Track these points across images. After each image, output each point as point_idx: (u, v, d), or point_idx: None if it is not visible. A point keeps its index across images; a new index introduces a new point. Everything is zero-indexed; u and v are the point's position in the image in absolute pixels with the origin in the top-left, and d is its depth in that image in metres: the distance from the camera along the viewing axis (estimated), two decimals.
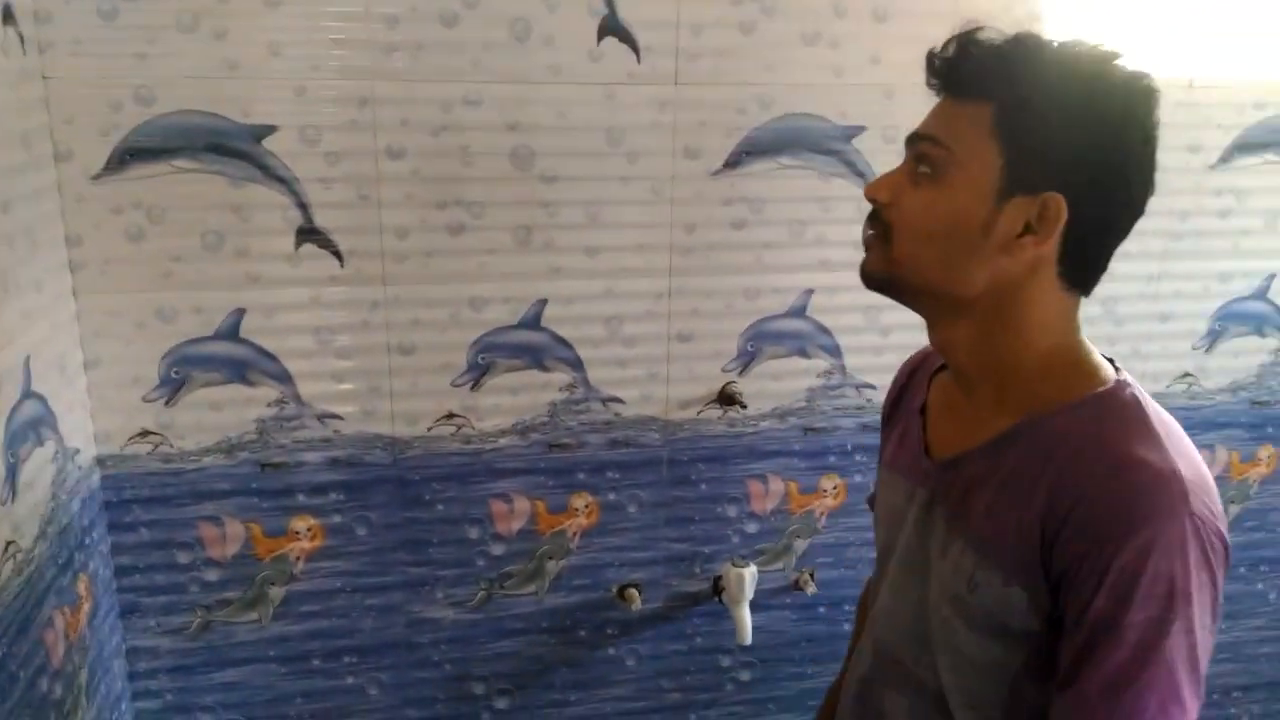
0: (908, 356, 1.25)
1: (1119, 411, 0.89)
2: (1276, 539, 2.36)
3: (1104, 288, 2.10)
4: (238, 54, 1.62)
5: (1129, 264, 1.97)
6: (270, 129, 1.66)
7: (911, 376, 1.19)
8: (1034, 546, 0.87)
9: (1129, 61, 0.89)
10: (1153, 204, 0.92)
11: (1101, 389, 0.91)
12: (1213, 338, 2.18)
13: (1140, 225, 0.93)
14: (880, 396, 2.07)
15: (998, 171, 0.88)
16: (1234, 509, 2.29)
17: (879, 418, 2.04)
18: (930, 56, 0.94)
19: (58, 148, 1.60)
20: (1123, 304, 2.11)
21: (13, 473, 1.41)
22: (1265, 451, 2.28)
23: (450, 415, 1.88)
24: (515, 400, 1.90)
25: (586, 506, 2.00)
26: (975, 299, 0.92)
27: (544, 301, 1.86)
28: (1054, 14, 1.90)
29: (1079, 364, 0.94)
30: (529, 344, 1.88)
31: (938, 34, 1.83)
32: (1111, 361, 0.96)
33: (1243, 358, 2.22)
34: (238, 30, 1.61)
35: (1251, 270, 2.16)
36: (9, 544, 1.39)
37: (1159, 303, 2.13)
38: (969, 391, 1.00)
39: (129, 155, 1.62)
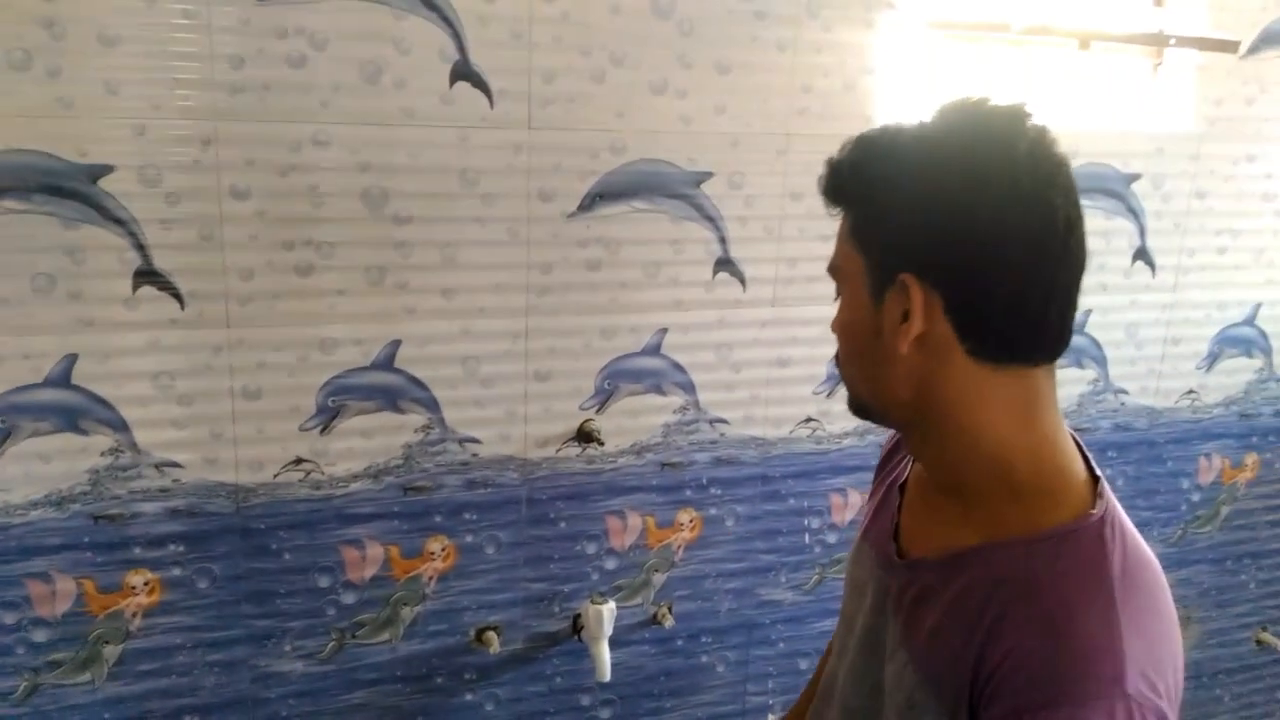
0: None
1: (1077, 558, 0.81)
2: (1257, 535, 2.72)
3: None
4: (73, 92, 1.56)
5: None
6: (107, 169, 1.60)
7: (894, 450, 1.14)
8: (966, 684, 0.82)
9: (992, 111, 0.86)
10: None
11: (1069, 524, 0.83)
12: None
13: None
14: (733, 431, 2.15)
15: (865, 274, 0.90)
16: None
17: (731, 451, 2.15)
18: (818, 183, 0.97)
19: None
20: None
21: None
22: (1250, 458, 2.63)
23: (298, 461, 1.83)
24: (368, 443, 1.87)
25: (443, 549, 1.98)
26: (911, 405, 0.89)
27: (398, 343, 1.84)
28: (886, 68, 2.03)
29: (1049, 491, 0.86)
30: (382, 385, 1.85)
31: (778, 84, 1.94)
32: (1097, 479, 0.88)
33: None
34: (73, 68, 1.55)
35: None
36: None
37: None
38: (936, 487, 0.96)
39: None
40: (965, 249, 0.83)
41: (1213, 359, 2.50)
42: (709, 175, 1.97)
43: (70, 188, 1.59)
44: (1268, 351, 2.56)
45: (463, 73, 1.76)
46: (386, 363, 1.84)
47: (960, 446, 0.88)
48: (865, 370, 0.93)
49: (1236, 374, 2.55)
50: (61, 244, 1.61)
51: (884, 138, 0.91)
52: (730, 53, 1.92)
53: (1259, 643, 2.79)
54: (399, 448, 1.90)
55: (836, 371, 1.03)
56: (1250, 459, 2.62)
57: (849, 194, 0.92)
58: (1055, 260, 0.83)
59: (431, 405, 1.90)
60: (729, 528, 2.21)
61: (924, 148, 0.87)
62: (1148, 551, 0.85)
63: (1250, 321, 2.52)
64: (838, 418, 2.22)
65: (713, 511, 2.19)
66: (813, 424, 2.21)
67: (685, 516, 2.17)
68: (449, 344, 1.88)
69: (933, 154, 0.86)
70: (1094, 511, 0.83)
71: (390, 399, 1.87)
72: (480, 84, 1.78)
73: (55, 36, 1.53)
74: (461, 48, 1.75)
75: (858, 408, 0.98)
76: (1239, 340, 2.53)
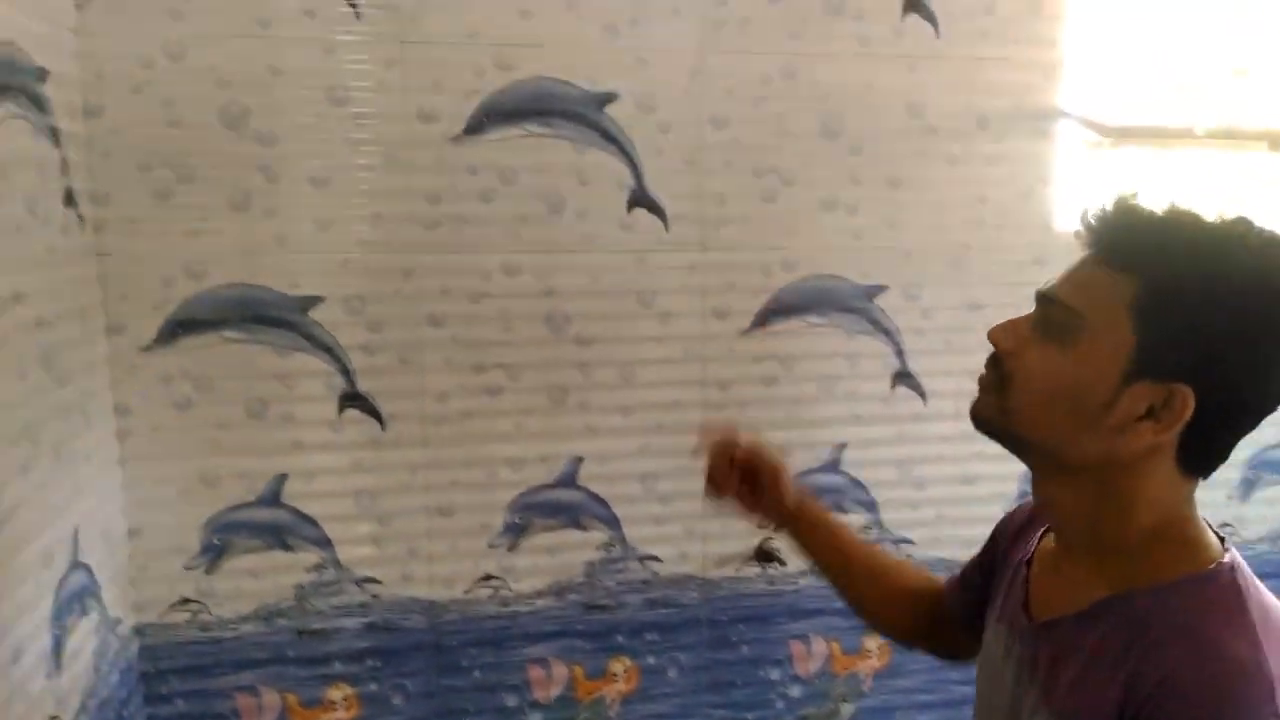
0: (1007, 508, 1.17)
1: (1215, 597, 0.84)
2: None
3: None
4: (286, 230, 1.72)
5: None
6: (316, 300, 1.74)
7: (1021, 531, 1.11)
8: None
9: None
10: None
11: (1202, 570, 0.85)
12: (1247, 486, 2.18)
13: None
14: (919, 551, 2.06)
15: (1129, 351, 0.83)
16: None
17: None
18: (1085, 215, 0.89)
19: (110, 321, 1.67)
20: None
21: (58, 645, 1.40)
22: None
23: (488, 577, 1.87)
24: (552, 560, 1.89)
25: (625, 671, 1.96)
26: (1084, 466, 0.88)
27: (580, 460, 1.88)
28: (1063, 177, 2.00)
29: (1184, 541, 0.88)
30: (565, 502, 1.89)
31: (951, 196, 1.94)
32: (1222, 539, 0.90)
33: (1279, 506, 2.20)
34: (287, 208, 1.71)
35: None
36: (52, 718, 1.37)
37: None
38: (1069, 551, 0.95)
39: (179, 327, 1.70)
40: (1250, 380, 0.83)
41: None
42: (883, 289, 1.96)
43: (283, 318, 1.73)
44: None
45: (639, 199, 1.85)
46: (569, 479, 1.88)
47: (1117, 510, 0.88)
48: (1061, 423, 0.87)
49: None
50: (274, 370, 1.74)
51: (1189, 219, 0.84)
52: (901, 168, 1.93)
53: None
54: (581, 565, 1.91)
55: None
56: None
57: (1144, 263, 0.84)
58: None
59: (612, 522, 1.91)
60: (921, 656, 2.09)
61: (1240, 257, 0.82)
62: (1274, 597, 0.87)
63: None
64: None
65: None
66: None
67: (873, 643, 2.07)
68: (628, 461, 1.90)
69: (1252, 270, 0.81)
70: (1225, 560, 0.86)
71: (573, 516, 1.89)
72: (656, 209, 1.85)
73: (270, 179, 1.70)
74: (638, 176, 1.83)
75: (1003, 433, 0.92)
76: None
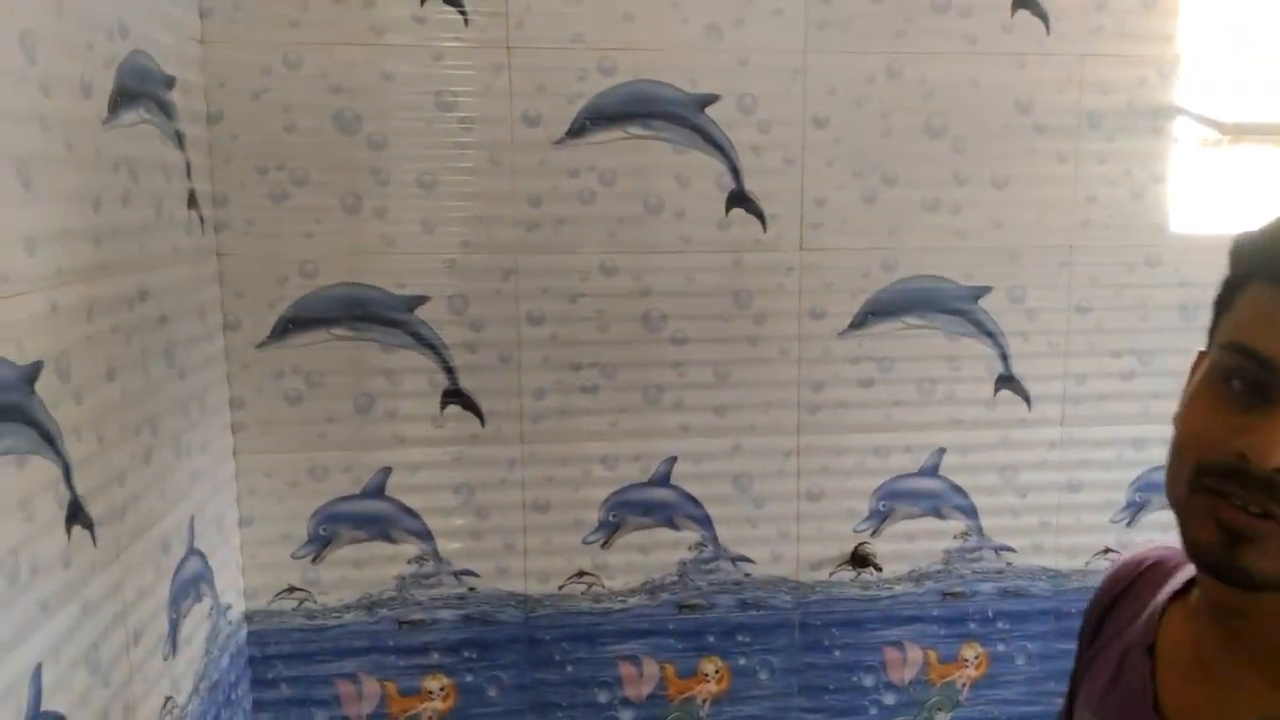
0: (1119, 561, 1.00)
1: None
2: None
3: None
4: (394, 230, 1.77)
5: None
6: (422, 299, 1.78)
7: (1130, 591, 0.93)
8: None
9: None
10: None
11: None
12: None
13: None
14: (1021, 560, 2.02)
15: None
16: None
17: (1019, 582, 2.00)
18: (1256, 242, 0.73)
19: (227, 318, 1.74)
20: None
21: (174, 628, 1.47)
22: None
23: (581, 573, 1.89)
24: (645, 559, 1.91)
25: (717, 672, 1.96)
26: None
27: (673, 459, 1.89)
28: (1176, 175, 1.93)
29: None
30: (659, 501, 1.90)
31: (1059, 195, 1.89)
32: None
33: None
34: (396, 210, 1.76)
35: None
36: (167, 700, 1.44)
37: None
38: (1236, 652, 0.77)
39: (291, 325, 1.76)
40: None
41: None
42: (987, 290, 1.92)
43: (390, 316, 1.78)
44: None
45: (738, 200, 1.84)
46: (663, 479, 1.89)
47: None
48: None
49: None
50: (381, 367, 1.79)
51: None
52: (1007, 167, 1.89)
53: None
54: (674, 564, 1.92)
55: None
56: None
57: None
58: None
59: (704, 522, 1.92)
60: (1019, 666, 2.05)
61: None
62: None
63: None
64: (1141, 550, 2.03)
65: (1000, 648, 2.04)
66: (1112, 555, 2.03)
67: (970, 652, 2.03)
68: (722, 461, 1.90)
69: None
70: None
71: (666, 515, 1.90)
72: (754, 209, 1.85)
73: (380, 182, 1.75)
74: (737, 176, 1.83)
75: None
76: None
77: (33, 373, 1.06)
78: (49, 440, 1.08)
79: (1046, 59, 1.87)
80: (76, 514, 1.14)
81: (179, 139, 1.55)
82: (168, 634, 1.44)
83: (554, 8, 1.74)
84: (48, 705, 1.07)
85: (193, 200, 1.62)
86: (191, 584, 1.56)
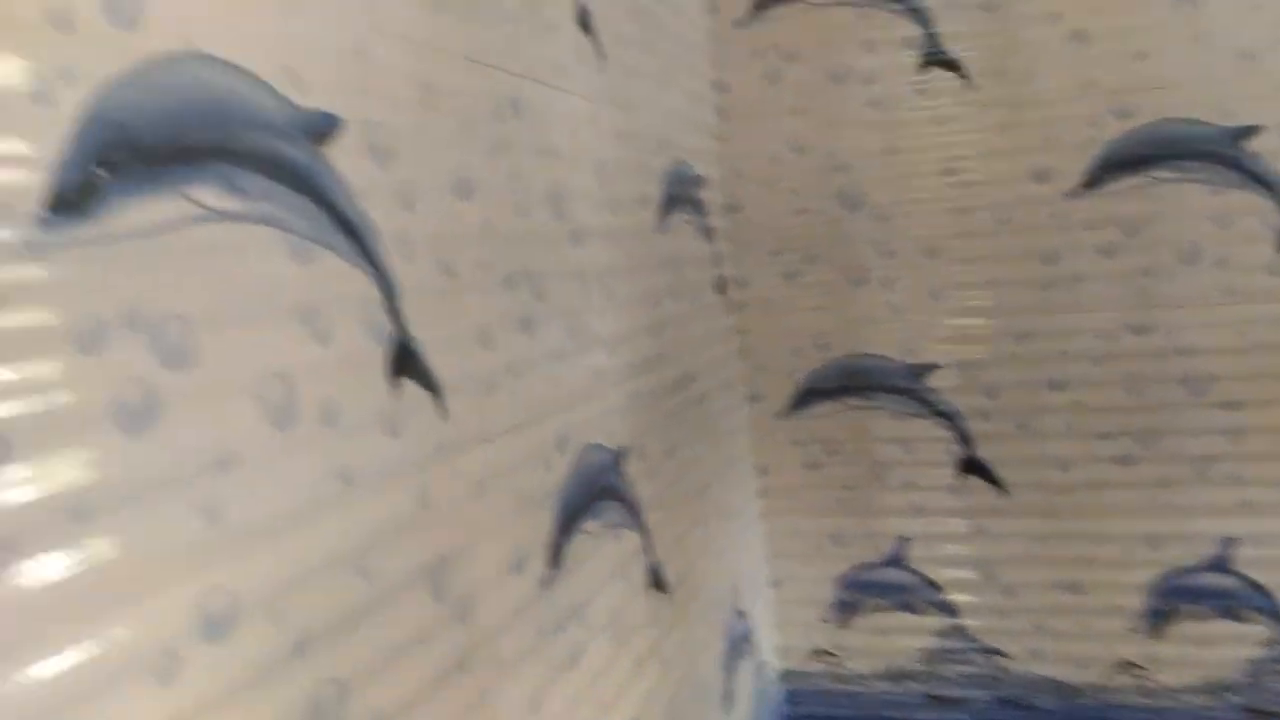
0: None
1: None
2: None
3: None
4: (901, 300, 1.78)
5: None
6: (932, 367, 1.77)
7: None
8: None
9: None
10: None
11: None
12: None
13: None
14: None
15: None
16: None
17: None
18: None
19: (751, 391, 1.86)
20: None
21: (728, 684, 1.56)
22: None
23: (1128, 664, 1.71)
24: (1203, 653, 1.68)
25: None
26: None
27: (1232, 540, 1.65)
28: None
29: None
30: (1216, 589, 1.67)
31: None
32: None
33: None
34: (901, 279, 1.77)
35: None
36: None
37: None
38: None
39: (808, 395, 1.83)
40: None
41: None
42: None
43: (900, 385, 1.79)
44: None
45: None
46: (1220, 563, 1.66)
47: None
48: None
49: None
50: (894, 435, 1.80)
51: None
52: None
53: None
54: (1240, 661, 1.67)
55: None
56: None
57: None
58: None
59: (1276, 615, 1.65)
60: None
61: None
62: None
63: None
64: None
65: None
66: None
67: None
68: None
69: None
70: None
71: (1224, 604, 1.67)
72: None
73: (885, 254, 1.77)
74: None
75: None
76: None
77: (622, 455, 1.19)
78: (635, 513, 1.21)
79: None
80: (656, 578, 1.26)
81: (707, 232, 1.69)
82: (723, 690, 1.54)
83: (1060, 57, 1.66)
84: None
85: (721, 286, 1.75)
86: (740, 642, 1.66)
